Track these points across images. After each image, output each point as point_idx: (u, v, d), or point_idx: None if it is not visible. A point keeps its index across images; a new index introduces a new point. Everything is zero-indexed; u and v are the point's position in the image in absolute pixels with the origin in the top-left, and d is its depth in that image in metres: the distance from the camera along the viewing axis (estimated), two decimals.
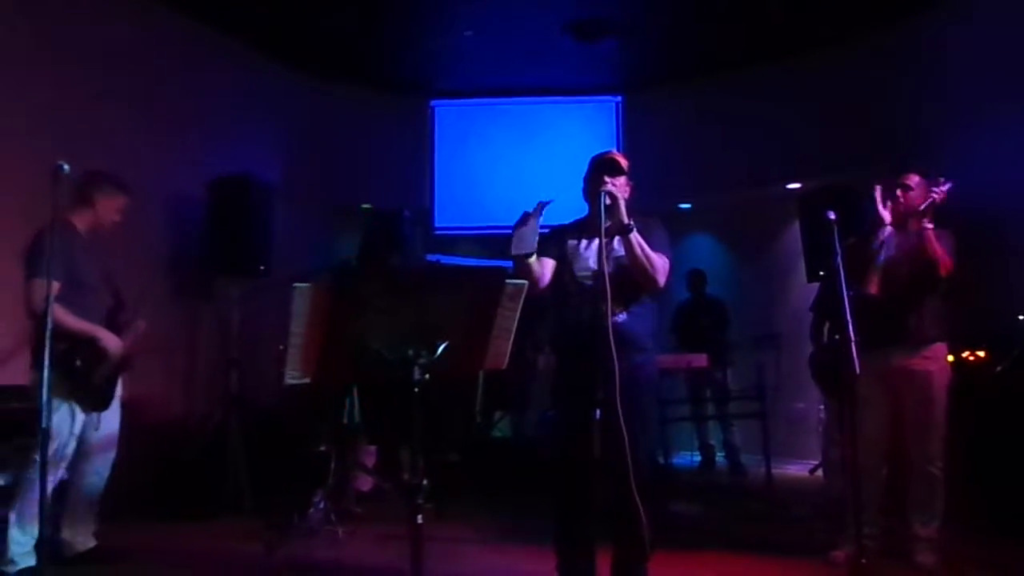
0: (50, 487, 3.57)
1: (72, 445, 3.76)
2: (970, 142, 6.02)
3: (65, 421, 3.70)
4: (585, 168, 3.43)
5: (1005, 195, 5.62)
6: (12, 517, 3.59)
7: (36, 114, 5.04)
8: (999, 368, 4.89)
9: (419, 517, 2.51)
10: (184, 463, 5.36)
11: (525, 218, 3.12)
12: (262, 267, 6.05)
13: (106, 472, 4.02)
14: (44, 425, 2.81)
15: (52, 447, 3.48)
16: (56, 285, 3.47)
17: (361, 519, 4.96)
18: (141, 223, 4.27)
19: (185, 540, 4.65)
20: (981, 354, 5.05)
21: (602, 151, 3.47)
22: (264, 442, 5.65)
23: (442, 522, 4.78)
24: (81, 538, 3.99)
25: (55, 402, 3.57)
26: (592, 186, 3.29)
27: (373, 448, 5.76)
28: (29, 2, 5.18)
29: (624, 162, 3.37)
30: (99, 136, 5.36)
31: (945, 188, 3.72)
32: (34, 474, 3.44)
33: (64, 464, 3.78)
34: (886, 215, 3.89)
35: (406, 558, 2.51)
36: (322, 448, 5.03)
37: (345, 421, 5.23)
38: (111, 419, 3.99)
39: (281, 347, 2.57)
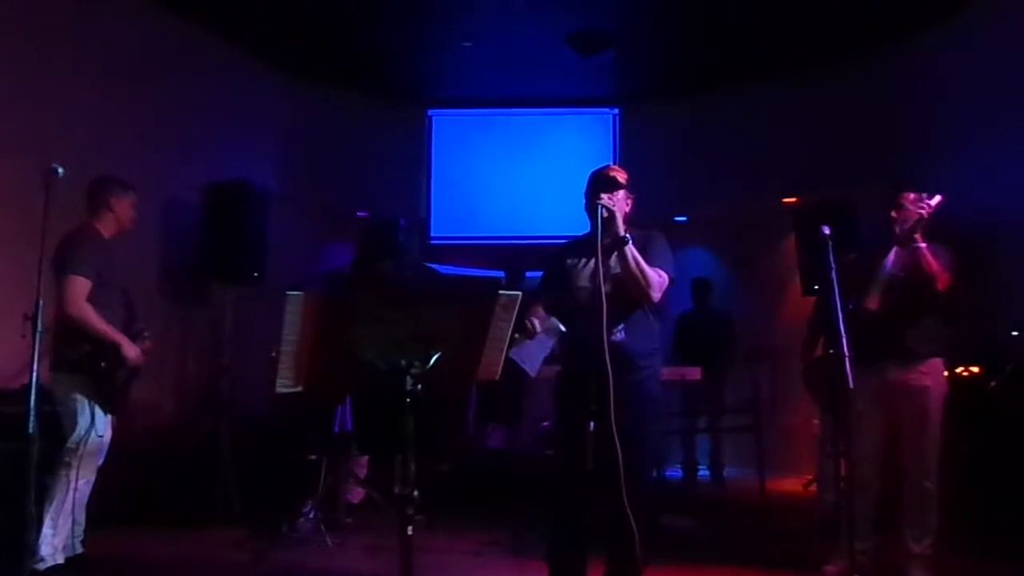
0: (85, 490, 3.82)
1: (94, 442, 3.81)
2: (964, 159, 6.04)
3: (85, 420, 3.77)
4: (584, 181, 3.43)
5: (998, 212, 5.63)
6: (46, 517, 3.70)
7: (31, 117, 5.02)
8: (993, 383, 4.89)
9: (409, 528, 2.49)
10: (173, 470, 5.32)
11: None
12: (256, 273, 6.03)
13: (93, 478, 3.99)
14: (31, 431, 2.80)
15: (73, 445, 3.73)
16: (88, 284, 3.73)
17: (351, 529, 4.93)
18: (136, 227, 4.26)
19: (173, 548, 4.61)
20: (975, 370, 5.05)
21: (600, 166, 3.47)
22: (254, 450, 5.63)
23: (433, 533, 4.74)
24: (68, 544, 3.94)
25: (80, 402, 3.76)
26: (591, 202, 3.29)
27: (365, 459, 5.72)
28: (23, 4, 5.16)
29: (622, 176, 3.37)
30: (94, 139, 5.35)
31: (933, 203, 3.70)
32: (69, 477, 3.71)
33: (95, 466, 3.88)
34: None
35: (395, 569, 2.49)
36: (312, 457, 4.99)
37: (336, 430, 5.19)
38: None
39: (274, 354, 2.56)
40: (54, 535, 3.72)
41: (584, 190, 3.41)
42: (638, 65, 7.64)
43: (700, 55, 7.41)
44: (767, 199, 7.72)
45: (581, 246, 3.40)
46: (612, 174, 3.38)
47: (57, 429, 3.81)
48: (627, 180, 3.38)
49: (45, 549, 3.68)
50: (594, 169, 3.44)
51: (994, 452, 4.63)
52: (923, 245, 3.70)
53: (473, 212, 8.46)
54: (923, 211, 3.68)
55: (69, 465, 3.74)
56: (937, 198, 3.71)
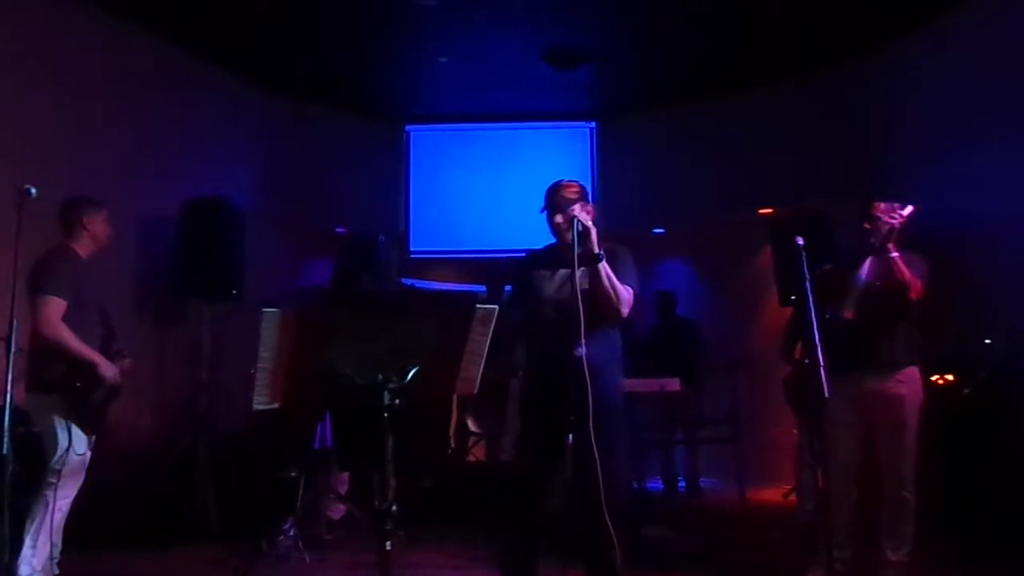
0: (65, 510, 3.80)
1: (75, 461, 3.78)
2: (937, 168, 6.12)
3: (64, 440, 3.74)
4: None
5: (971, 221, 5.71)
6: (27, 537, 3.68)
7: (4, 137, 4.98)
8: (966, 391, 4.95)
9: (388, 544, 2.48)
10: (151, 488, 5.28)
11: None
12: (234, 291, 6.01)
13: (73, 495, 3.96)
14: (4, 452, 2.77)
15: (56, 465, 3.70)
16: (63, 304, 3.71)
17: (331, 546, 4.90)
18: (112, 245, 4.25)
19: (151, 567, 4.57)
20: (950, 378, 5.11)
21: (554, 182, 3.48)
22: (233, 467, 5.58)
23: (414, 548, 4.73)
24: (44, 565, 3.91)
25: (57, 422, 3.73)
26: (552, 215, 3.34)
27: (345, 475, 5.70)
28: (1, 22, 5.14)
29: (574, 190, 3.40)
30: (70, 158, 5.33)
31: (905, 213, 3.75)
32: (51, 496, 3.69)
33: (76, 485, 3.85)
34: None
35: None
36: (292, 473, 4.97)
37: (316, 446, 5.17)
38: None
39: (252, 371, 2.55)
40: (34, 555, 3.70)
41: (543, 204, 3.43)
42: (614, 79, 7.70)
43: (676, 69, 7.49)
44: (743, 210, 7.78)
45: (543, 259, 3.44)
46: (564, 191, 3.38)
47: (32, 450, 3.78)
48: (579, 193, 3.40)
49: (24, 569, 3.66)
50: (551, 184, 3.46)
51: (968, 460, 4.68)
52: (896, 255, 3.74)
53: (452, 226, 8.48)
54: (895, 221, 3.73)
55: (52, 485, 3.72)
56: (909, 208, 3.76)
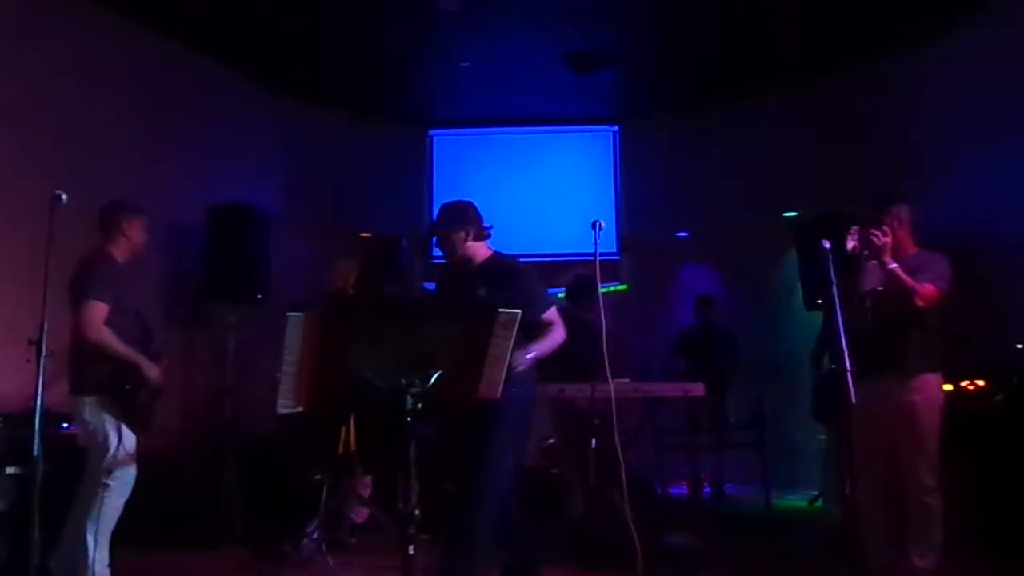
0: (119, 507, 3.87)
1: (126, 461, 3.86)
2: (965, 171, 6.05)
3: (115, 439, 3.82)
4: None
5: (1001, 223, 5.63)
6: (89, 538, 3.74)
7: (35, 143, 5.07)
8: (999, 396, 4.87)
9: (411, 548, 2.49)
10: (177, 491, 5.31)
11: None
12: (259, 295, 6.06)
13: (127, 495, 4.03)
14: (36, 454, 2.81)
15: (108, 465, 3.77)
16: (106, 308, 3.77)
17: (355, 550, 4.91)
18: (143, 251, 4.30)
19: (176, 570, 4.61)
20: (980, 383, 5.03)
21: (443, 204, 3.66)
22: (258, 470, 5.62)
23: (439, 551, 4.72)
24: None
25: (109, 422, 3.80)
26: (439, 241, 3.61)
27: (369, 479, 5.72)
28: (27, 31, 5.23)
29: (445, 216, 3.57)
30: (99, 163, 5.40)
31: (887, 239, 3.68)
32: (104, 497, 3.76)
33: (129, 486, 3.91)
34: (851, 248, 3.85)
35: None
36: (316, 477, 4.99)
37: (340, 450, 5.19)
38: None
39: (277, 375, 2.57)
40: (98, 552, 3.77)
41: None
42: (637, 83, 7.68)
43: (699, 72, 7.45)
44: (768, 213, 7.72)
45: (449, 276, 3.50)
46: (439, 217, 3.67)
47: (70, 450, 3.86)
48: (449, 216, 3.70)
49: (98, 568, 3.75)
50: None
51: (1000, 466, 4.60)
52: (894, 266, 3.68)
53: None
54: (876, 239, 3.67)
55: (107, 486, 3.79)
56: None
